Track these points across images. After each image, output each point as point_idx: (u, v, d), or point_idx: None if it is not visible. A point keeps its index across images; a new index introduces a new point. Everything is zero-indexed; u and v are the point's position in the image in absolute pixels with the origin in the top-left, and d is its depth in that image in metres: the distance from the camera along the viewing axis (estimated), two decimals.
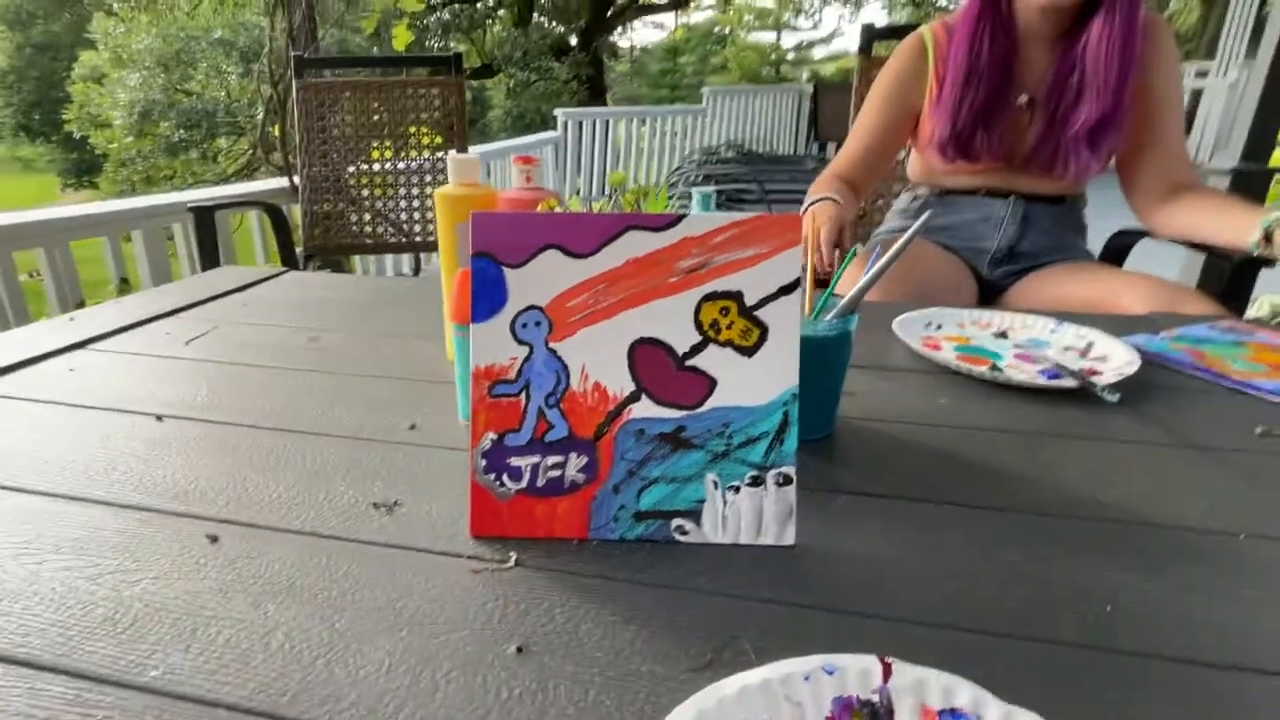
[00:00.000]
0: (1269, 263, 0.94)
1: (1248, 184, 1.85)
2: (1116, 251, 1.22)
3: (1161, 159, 1.05)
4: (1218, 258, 1.06)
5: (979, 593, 0.40)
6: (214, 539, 0.44)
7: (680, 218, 0.42)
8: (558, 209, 0.52)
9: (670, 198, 0.55)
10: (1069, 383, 0.64)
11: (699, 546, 0.44)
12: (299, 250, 1.88)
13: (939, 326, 0.79)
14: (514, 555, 0.43)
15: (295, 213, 2.07)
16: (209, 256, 1.64)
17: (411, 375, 0.70)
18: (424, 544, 0.44)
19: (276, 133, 2.54)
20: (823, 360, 0.54)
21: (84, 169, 12.81)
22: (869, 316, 0.81)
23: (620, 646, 0.36)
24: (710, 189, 0.77)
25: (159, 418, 0.61)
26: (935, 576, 0.42)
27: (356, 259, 2.70)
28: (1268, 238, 0.87)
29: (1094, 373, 0.67)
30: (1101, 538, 0.46)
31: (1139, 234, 1.16)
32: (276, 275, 1.08)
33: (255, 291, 1.00)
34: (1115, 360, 0.69)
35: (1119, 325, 0.79)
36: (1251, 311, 0.88)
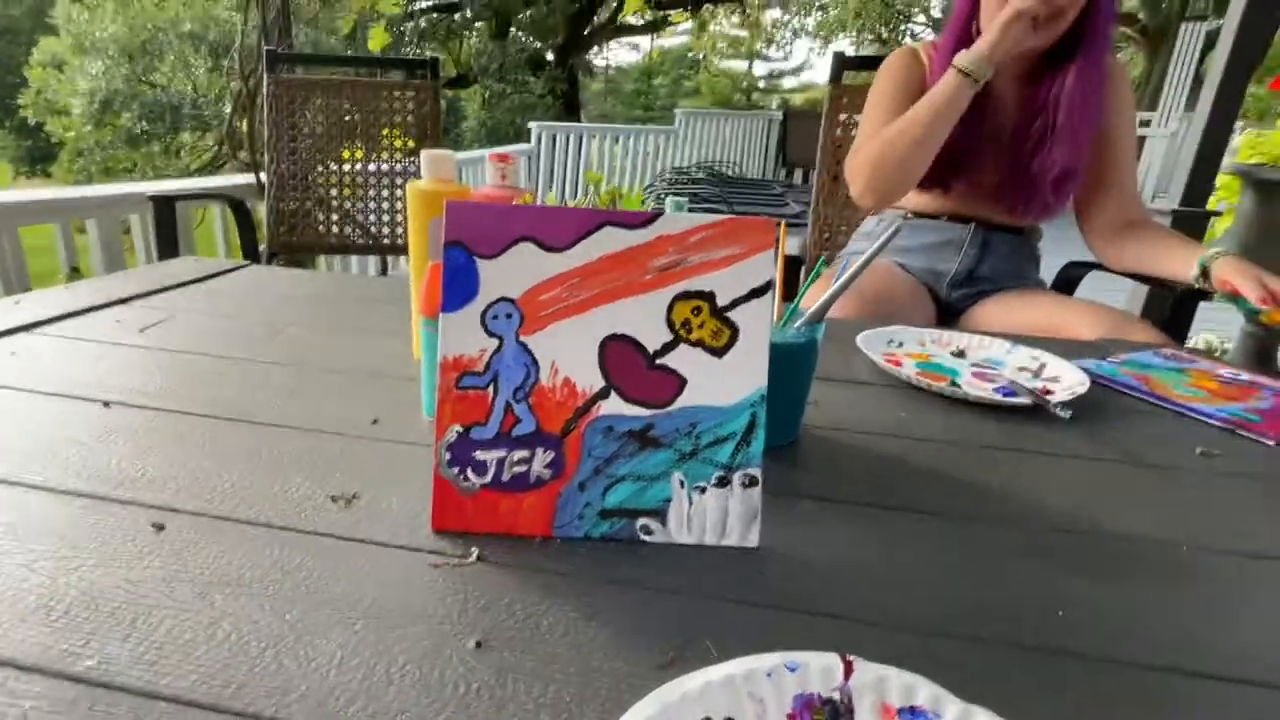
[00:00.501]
0: (1207, 295, 0.99)
1: (1187, 224, 1.95)
2: (1067, 281, 1.27)
3: (1116, 197, 1.10)
4: (1161, 289, 1.11)
5: (937, 596, 0.41)
6: (160, 527, 0.43)
7: (657, 215, 0.42)
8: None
9: (644, 204, 0.56)
10: (1024, 400, 0.66)
11: (664, 546, 0.44)
12: (262, 248, 1.84)
13: (900, 344, 0.81)
14: (476, 551, 0.42)
15: (260, 210, 2.02)
16: (168, 250, 1.59)
17: (376, 371, 0.69)
18: (383, 537, 0.43)
19: (244, 128, 2.49)
20: (790, 367, 0.54)
21: (39, 157, 12.35)
22: (833, 331, 0.82)
23: (582, 643, 0.36)
24: (683, 199, 0.78)
25: (106, 404, 0.59)
26: (896, 581, 0.42)
27: (322, 259, 2.65)
28: (1205, 273, 0.92)
29: (1047, 392, 0.69)
30: (1053, 546, 0.47)
31: (1089, 265, 1.21)
32: (239, 268, 1.06)
33: (216, 283, 0.97)
34: (1067, 380, 0.71)
35: (1070, 349, 0.82)
36: (1191, 345, 0.93)
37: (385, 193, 1.94)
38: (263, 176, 2.02)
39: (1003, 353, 0.78)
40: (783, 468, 0.55)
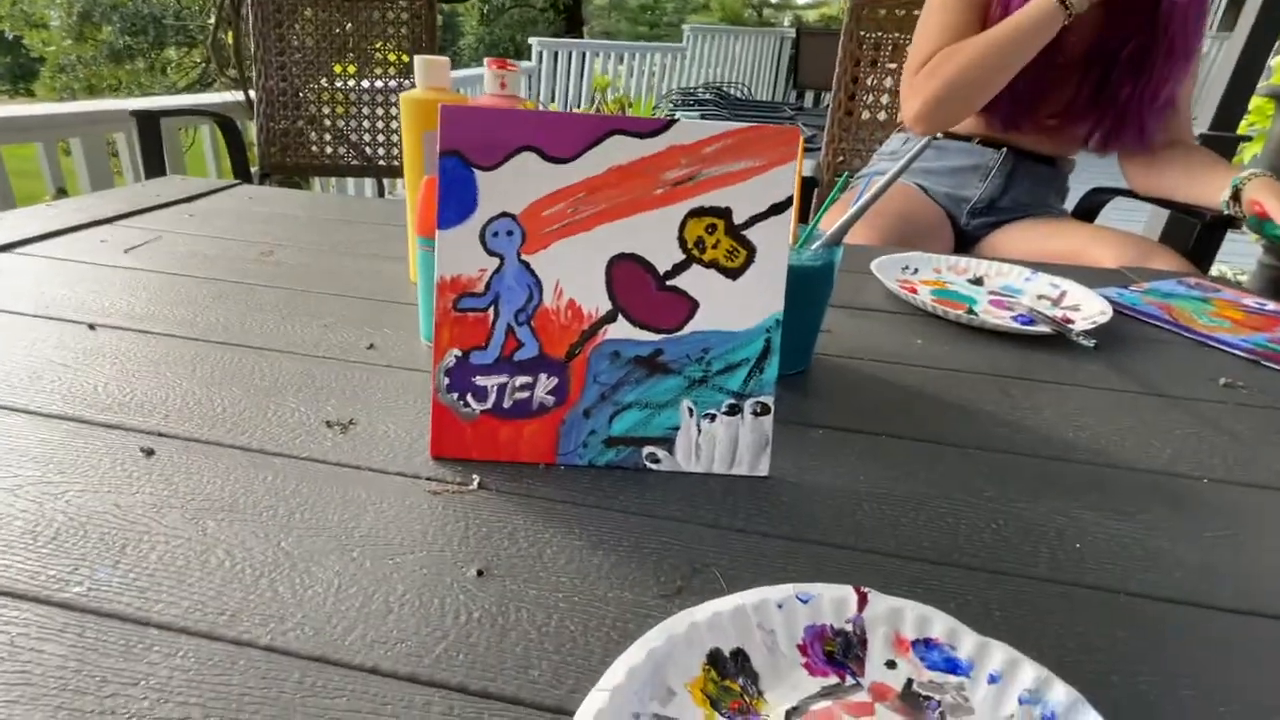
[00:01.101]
0: (1235, 224, 0.95)
1: (1214, 149, 1.87)
2: (1088, 209, 1.22)
3: (1172, 118, 1.03)
4: (1187, 216, 1.06)
5: (952, 527, 0.40)
6: (149, 452, 0.41)
7: (670, 123, 0.39)
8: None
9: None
10: (1044, 328, 0.64)
11: (671, 474, 0.43)
12: (254, 169, 1.77)
13: (915, 270, 0.78)
14: (476, 478, 0.41)
15: (251, 129, 1.94)
16: (155, 171, 1.53)
17: (372, 294, 0.66)
18: (380, 464, 0.42)
19: (230, 42, 2.37)
20: (805, 291, 0.52)
21: (19, 75, 11.90)
22: (847, 257, 0.79)
23: (586, 571, 0.35)
24: (694, 113, 0.73)
25: (92, 326, 0.56)
26: (909, 511, 0.41)
27: (316, 181, 2.58)
28: (1236, 195, 0.88)
29: (1067, 321, 0.66)
30: (1072, 477, 0.45)
31: (1113, 191, 1.16)
32: (229, 187, 1.01)
33: (205, 202, 0.94)
34: (1087, 309, 0.68)
35: (1091, 277, 0.79)
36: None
37: (380, 111, 1.86)
38: (251, 94, 1.94)
39: (1021, 280, 0.75)
40: (795, 396, 0.53)
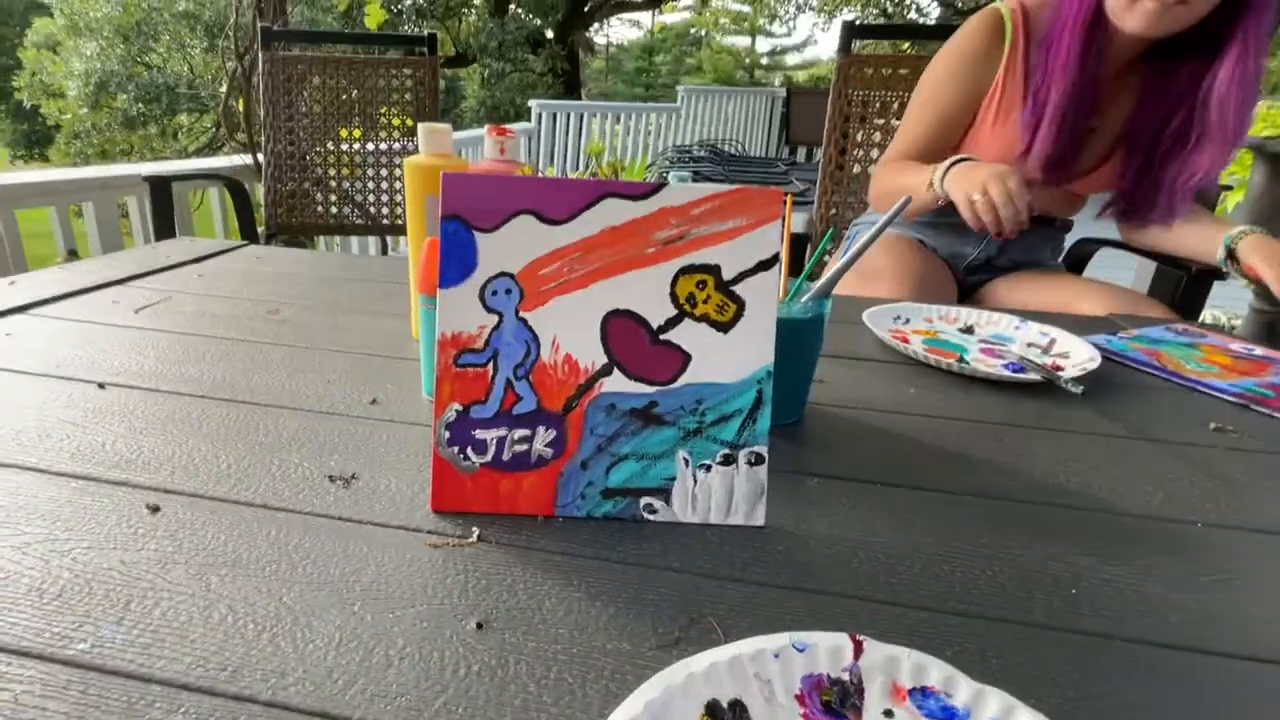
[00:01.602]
0: (1221, 275, 0.97)
1: (1198, 197, 1.91)
2: (1077, 259, 1.25)
3: None
4: (1175, 268, 1.08)
5: (947, 574, 0.40)
6: (155, 509, 0.42)
7: (660, 186, 0.41)
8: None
9: (647, 178, 0.54)
10: (1033, 376, 0.65)
11: (668, 525, 0.43)
12: (261, 229, 1.82)
13: (907, 320, 0.80)
14: (476, 530, 0.41)
15: (258, 191, 2.00)
16: (165, 232, 1.57)
17: (375, 350, 0.68)
18: (381, 518, 0.42)
19: (241, 109, 2.46)
20: (796, 343, 0.53)
21: (35, 141, 12.27)
22: (839, 308, 0.81)
23: (585, 623, 0.35)
24: (686, 173, 0.76)
25: (101, 385, 0.58)
26: (904, 558, 0.42)
27: (321, 240, 2.63)
28: (1231, 255, 0.90)
29: (1057, 368, 0.68)
30: (1066, 523, 0.46)
31: (1100, 242, 1.19)
32: (237, 248, 1.04)
33: (213, 263, 0.96)
34: (1077, 356, 0.70)
35: (1080, 325, 0.81)
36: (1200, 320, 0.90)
37: (384, 172, 1.92)
38: (260, 157, 2.00)
39: (1011, 329, 0.77)
40: (789, 445, 0.54)
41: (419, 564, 0.39)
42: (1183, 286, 1.05)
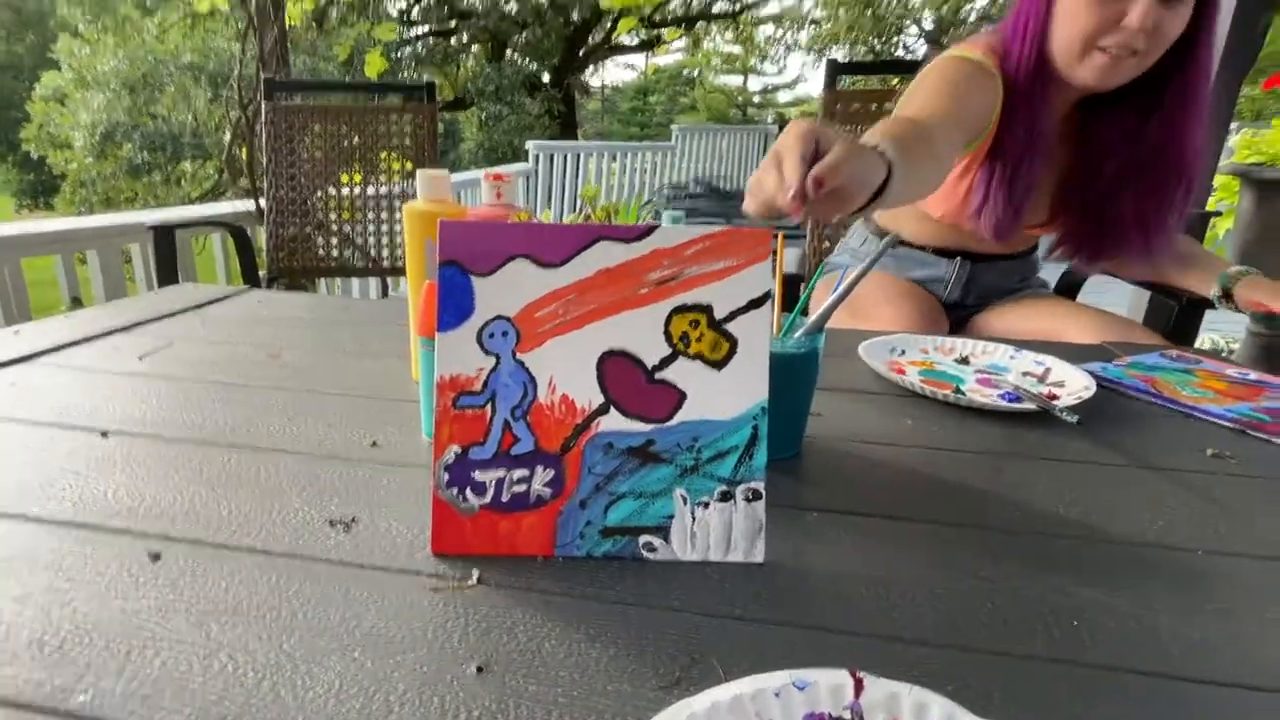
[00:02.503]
0: (1213, 306, 0.98)
1: (1188, 225, 1.94)
2: (1069, 286, 1.26)
3: None
4: (1167, 297, 1.09)
5: (948, 608, 0.40)
6: (156, 557, 0.42)
7: (652, 229, 0.42)
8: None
9: (640, 218, 0.55)
10: (1030, 405, 0.65)
11: (667, 563, 0.43)
12: (262, 273, 1.84)
13: (903, 352, 0.80)
14: (476, 573, 0.42)
15: (260, 236, 2.03)
16: (168, 279, 1.59)
17: (375, 393, 0.68)
18: (381, 562, 0.43)
19: (244, 156, 2.51)
20: (790, 378, 0.54)
21: (41, 190, 12.47)
22: (835, 342, 0.82)
23: (585, 665, 0.35)
24: (680, 212, 0.77)
25: (104, 434, 0.58)
26: (905, 592, 0.41)
27: (322, 283, 2.66)
28: (1226, 294, 0.91)
29: (1053, 397, 0.68)
30: (1066, 554, 0.46)
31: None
32: (239, 293, 1.06)
33: (216, 309, 0.97)
34: (1072, 385, 0.70)
35: (1075, 353, 0.82)
36: (1196, 345, 0.91)
37: (384, 215, 1.95)
38: (262, 203, 2.03)
39: (1006, 358, 0.78)
40: (787, 480, 0.54)
41: (419, 608, 0.39)
42: (1176, 315, 1.05)
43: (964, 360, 0.79)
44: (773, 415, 0.54)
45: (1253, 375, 0.76)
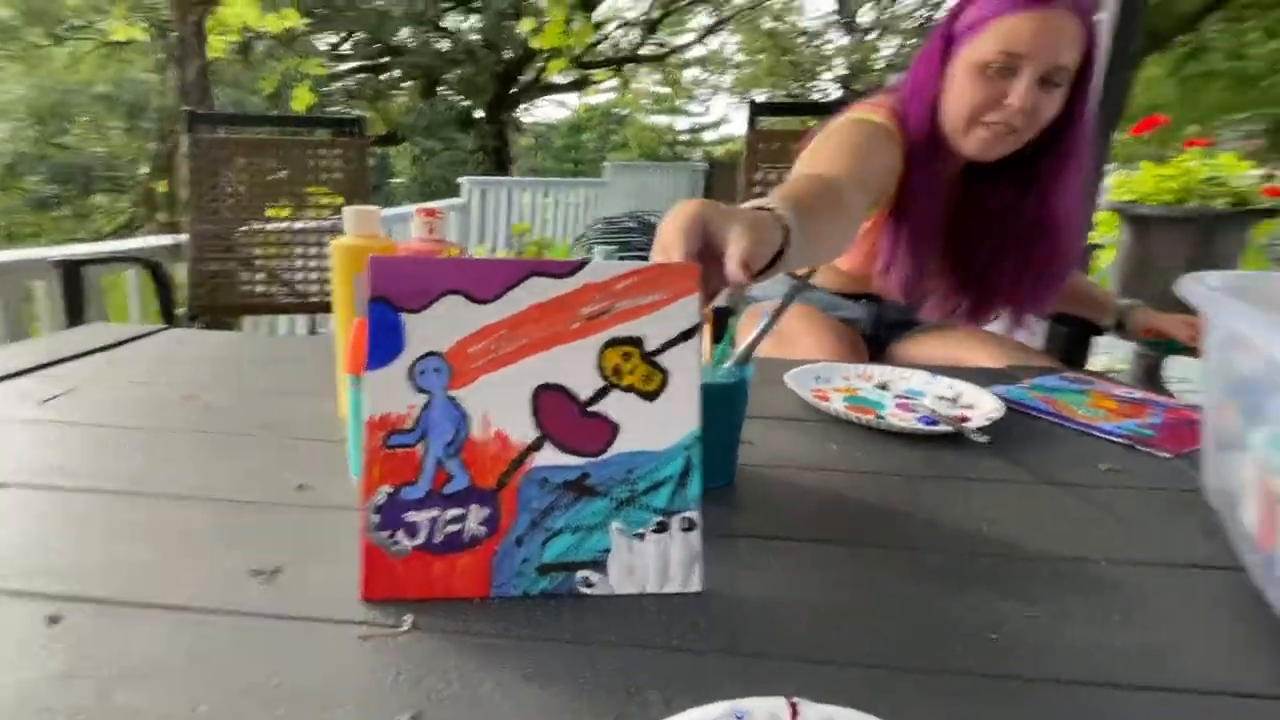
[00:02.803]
0: (1101, 332, 1.08)
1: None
2: None
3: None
4: (1062, 324, 1.19)
5: (877, 628, 0.42)
6: (54, 620, 0.39)
7: (583, 264, 0.43)
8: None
9: (573, 253, 0.56)
10: (944, 428, 0.69)
11: (605, 598, 0.43)
12: (180, 311, 1.76)
13: (827, 380, 0.84)
14: (409, 618, 0.40)
15: (179, 272, 1.94)
16: (76, 319, 1.50)
17: (301, 434, 0.66)
18: (308, 612, 0.41)
19: (162, 189, 2.41)
20: (721, 407, 0.55)
21: None
22: (763, 371, 0.84)
23: (524, 707, 0.35)
24: (612, 247, 0.79)
25: (1, 486, 0.54)
26: (836, 615, 0.43)
27: (246, 320, 2.55)
28: (1119, 324, 1.01)
29: (965, 419, 0.72)
30: (983, 570, 0.48)
31: None
32: (154, 332, 1.01)
33: (128, 349, 0.92)
34: (982, 407, 0.75)
35: (984, 376, 0.87)
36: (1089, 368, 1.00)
37: (313, 250, 1.90)
38: (181, 237, 1.95)
39: (923, 383, 0.82)
40: (722, 509, 0.55)
41: (349, 659, 0.37)
42: (1071, 339, 1.15)
43: (883, 386, 0.82)
44: (706, 445, 0.55)
45: (1137, 394, 0.83)
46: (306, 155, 1.87)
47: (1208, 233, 1.94)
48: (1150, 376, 1.01)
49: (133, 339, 0.97)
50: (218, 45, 2.90)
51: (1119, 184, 2.16)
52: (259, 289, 1.86)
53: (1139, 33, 2.08)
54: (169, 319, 1.66)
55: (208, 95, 2.60)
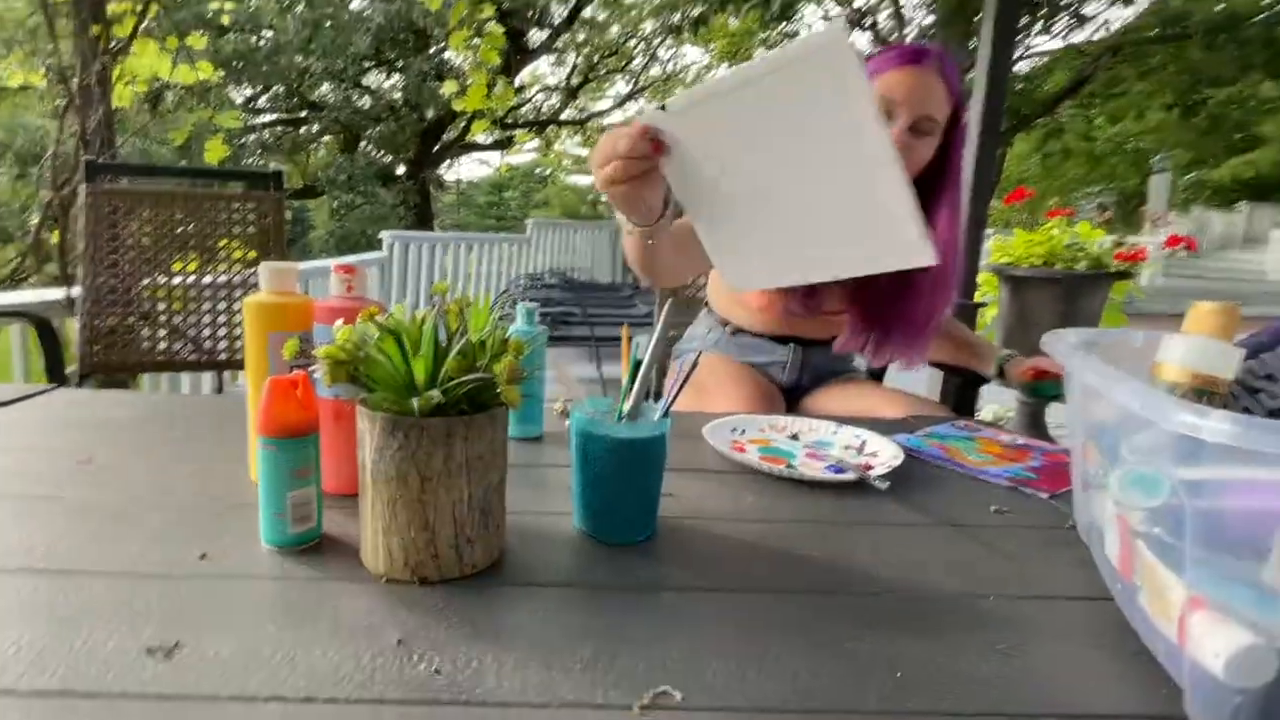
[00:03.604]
0: (985, 381, 1.17)
1: (962, 315, 2.41)
2: (878, 371, 1.45)
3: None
4: (952, 374, 1.30)
5: (793, 674, 0.43)
6: None
7: None
8: (379, 318, 0.53)
9: (493, 311, 0.58)
10: (850, 476, 0.73)
11: (526, 656, 0.43)
12: (71, 370, 1.64)
13: (743, 431, 0.87)
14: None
15: (70, 328, 1.82)
16: None
17: (206, 499, 0.63)
18: (210, 690, 0.39)
19: (54, 240, 2.27)
20: (640, 461, 0.57)
21: None
22: (683, 424, 0.87)
23: None
24: (534, 305, 0.81)
25: None
26: (754, 663, 0.44)
27: (146, 379, 2.40)
28: (1001, 371, 1.11)
29: (869, 467, 0.77)
30: (887, 611, 0.51)
31: None
32: (41, 392, 0.94)
33: (12, 411, 0.86)
34: (884, 455, 0.80)
35: (885, 426, 0.92)
36: (980, 416, 1.09)
37: (222, 305, 1.82)
38: (74, 291, 1.84)
39: (830, 434, 0.87)
40: (646, 562, 0.56)
41: None
42: (960, 389, 1.27)
43: (795, 436, 0.87)
44: (628, 498, 0.57)
45: (1020, 440, 0.91)
46: (218, 208, 1.81)
47: (1073, 291, 2.20)
48: (1035, 423, 1.11)
49: (17, 400, 0.91)
50: (125, 94, 2.80)
51: (997, 248, 2.41)
52: (160, 345, 1.76)
53: (1004, 114, 2.37)
54: (58, 378, 1.54)
55: (111, 144, 2.50)
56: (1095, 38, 11.07)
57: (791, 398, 1.29)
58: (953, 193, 1.05)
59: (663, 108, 0.62)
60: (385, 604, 0.49)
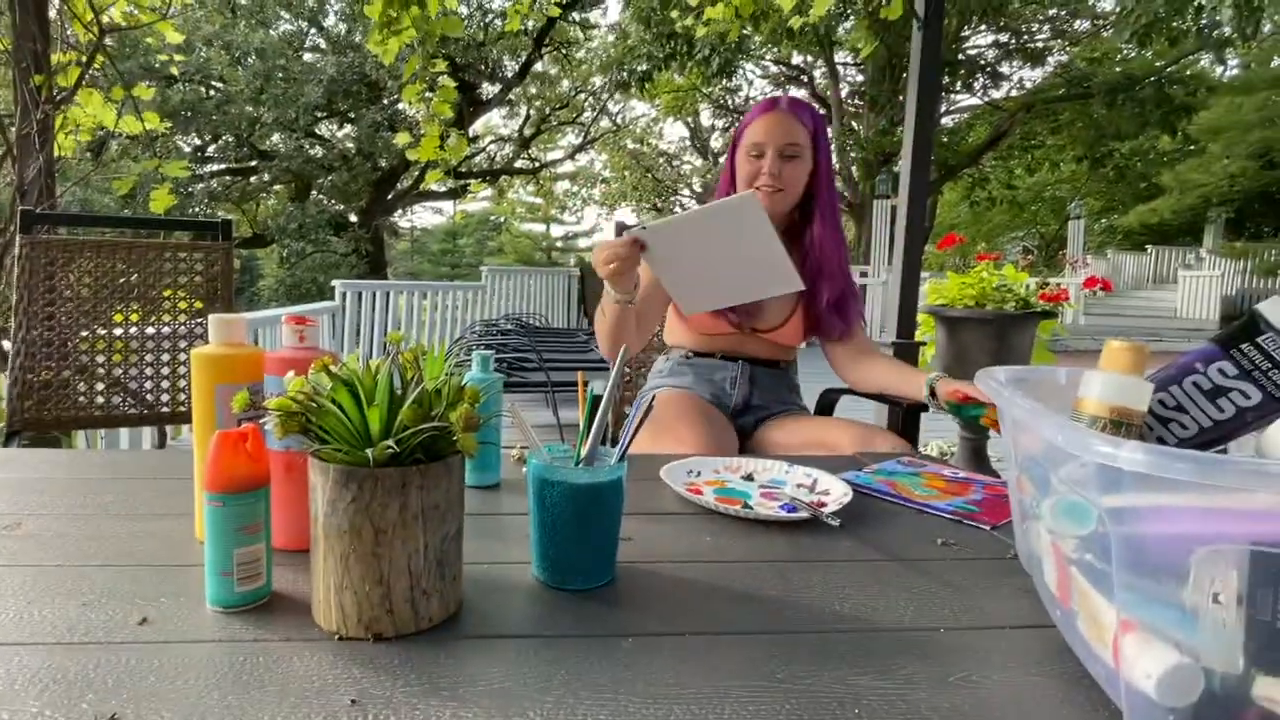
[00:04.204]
0: (926, 409, 1.23)
1: (904, 353, 2.57)
2: (827, 405, 1.50)
3: (853, 336, 1.39)
4: (895, 406, 1.38)
5: (753, 713, 0.44)
6: None
7: None
8: (332, 368, 0.52)
9: (448, 358, 0.59)
10: (803, 514, 0.75)
11: (487, 693, 0.43)
12: None
13: (699, 473, 0.88)
14: None
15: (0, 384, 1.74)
16: None
17: (148, 560, 0.61)
18: None
19: None
20: (597, 506, 0.58)
21: None
22: (641, 467, 0.88)
23: None
24: (490, 352, 0.82)
25: None
26: (714, 705, 0.45)
27: (81, 436, 2.29)
28: (932, 392, 1.16)
29: (821, 505, 0.79)
30: (843, 647, 0.52)
31: (842, 390, 1.45)
32: None
33: None
34: (835, 492, 0.82)
35: (836, 464, 0.95)
36: (926, 451, 1.13)
37: (166, 357, 1.77)
38: (5, 344, 1.76)
39: (783, 473, 0.89)
40: (605, 609, 0.56)
41: None
42: (903, 417, 1.34)
43: (749, 477, 0.88)
44: (587, 543, 0.57)
45: (962, 474, 0.94)
46: (163, 259, 1.77)
47: (1004, 330, 2.34)
48: (978, 456, 1.16)
49: None
50: (67, 144, 2.73)
51: (932, 290, 2.54)
52: (98, 399, 1.69)
53: (930, 165, 2.56)
54: None
55: (50, 194, 2.43)
56: (1012, 94, 11.97)
57: (744, 422, 1.37)
58: (827, 194, 1.35)
59: (644, 228, 1.05)
60: (338, 663, 0.47)
